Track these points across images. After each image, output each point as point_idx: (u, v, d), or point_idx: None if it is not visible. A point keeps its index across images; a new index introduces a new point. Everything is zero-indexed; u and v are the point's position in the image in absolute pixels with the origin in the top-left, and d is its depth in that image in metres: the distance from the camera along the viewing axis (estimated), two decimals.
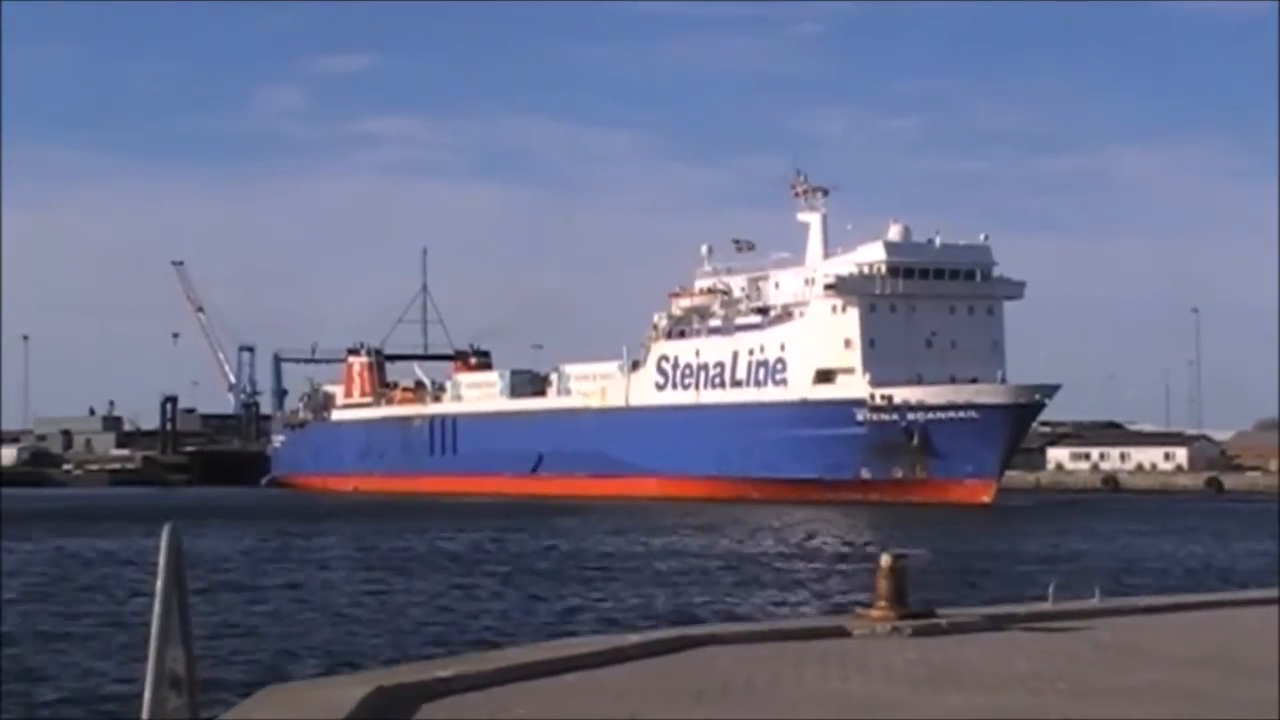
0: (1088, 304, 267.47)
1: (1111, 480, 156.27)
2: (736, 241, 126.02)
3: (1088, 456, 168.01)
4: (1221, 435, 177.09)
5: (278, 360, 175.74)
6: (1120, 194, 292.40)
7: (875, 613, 16.61)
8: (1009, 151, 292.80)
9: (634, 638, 16.24)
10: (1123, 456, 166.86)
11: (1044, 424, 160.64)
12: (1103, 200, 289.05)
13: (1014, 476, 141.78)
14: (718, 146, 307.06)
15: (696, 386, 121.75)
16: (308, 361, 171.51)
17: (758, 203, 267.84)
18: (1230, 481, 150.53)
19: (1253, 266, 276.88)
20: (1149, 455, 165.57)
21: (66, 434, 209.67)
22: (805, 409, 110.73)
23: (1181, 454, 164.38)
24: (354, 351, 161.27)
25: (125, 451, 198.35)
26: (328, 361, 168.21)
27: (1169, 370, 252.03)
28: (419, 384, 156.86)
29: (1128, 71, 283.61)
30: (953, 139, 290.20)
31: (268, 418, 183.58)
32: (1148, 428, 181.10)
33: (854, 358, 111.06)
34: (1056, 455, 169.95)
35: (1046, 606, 18.92)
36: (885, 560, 16.69)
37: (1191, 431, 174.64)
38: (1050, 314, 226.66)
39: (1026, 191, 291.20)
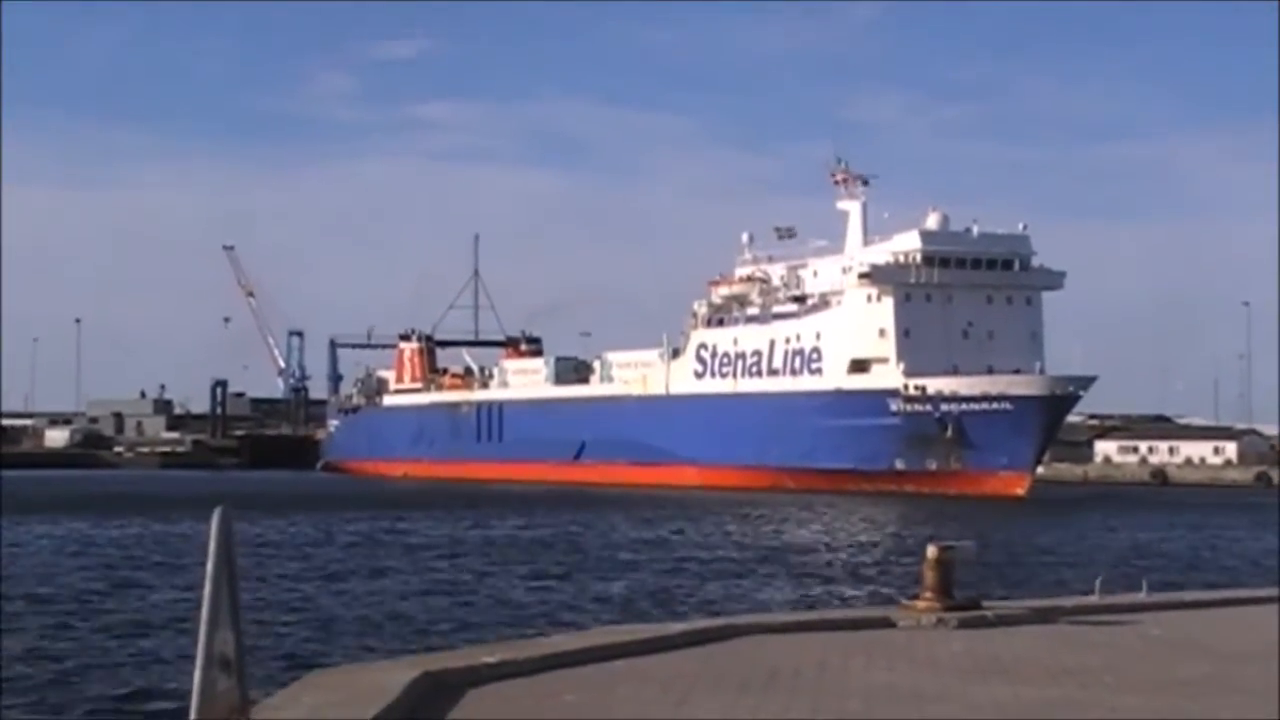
0: (1138, 295, 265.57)
1: (1160, 474, 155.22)
2: (778, 229, 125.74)
3: (1136, 450, 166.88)
4: (1272, 430, 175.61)
5: (333, 345, 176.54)
6: (1173, 182, 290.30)
7: (921, 604, 16.53)
8: (1060, 139, 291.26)
9: (680, 626, 16.25)
10: (1171, 450, 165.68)
11: (1092, 417, 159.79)
12: (1154, 188, 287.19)
13: (1061, 469, 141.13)
14: (769, 133, 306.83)
15: (734, 375, 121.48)
16: (362, 347, 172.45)
17: (806, 189, 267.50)
18: None
19: None
20: (1198, 449, 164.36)
21: (118, 416, 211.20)
22: (840, 399, 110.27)
23: (1231, 448, 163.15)
24: (405, 337, 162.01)
25: (175, 434, 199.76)
26: (381, 347, 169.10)
27: (1219, 364, 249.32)
28: (468, 370, 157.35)
29: (1180, 57, 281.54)
30: (1005, 126, 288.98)
31: (316, 402, 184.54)
32: (1197, 421, 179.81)
33: (888, 348, 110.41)
34: (1104, 448, 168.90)
35: (1093, 600, 18.79)
36: (931, 551, 16.61)
37: (1241, 426, 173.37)
38: (1100, 305, 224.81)
39: (1077, 179, 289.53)
